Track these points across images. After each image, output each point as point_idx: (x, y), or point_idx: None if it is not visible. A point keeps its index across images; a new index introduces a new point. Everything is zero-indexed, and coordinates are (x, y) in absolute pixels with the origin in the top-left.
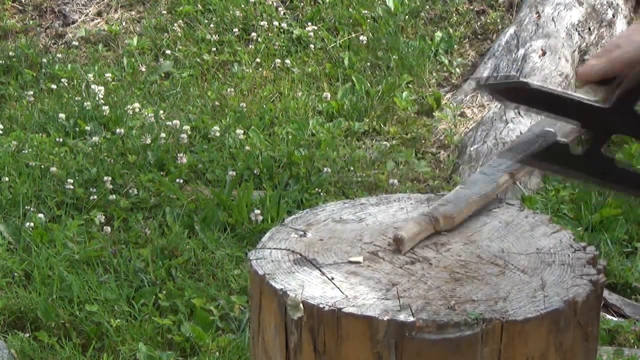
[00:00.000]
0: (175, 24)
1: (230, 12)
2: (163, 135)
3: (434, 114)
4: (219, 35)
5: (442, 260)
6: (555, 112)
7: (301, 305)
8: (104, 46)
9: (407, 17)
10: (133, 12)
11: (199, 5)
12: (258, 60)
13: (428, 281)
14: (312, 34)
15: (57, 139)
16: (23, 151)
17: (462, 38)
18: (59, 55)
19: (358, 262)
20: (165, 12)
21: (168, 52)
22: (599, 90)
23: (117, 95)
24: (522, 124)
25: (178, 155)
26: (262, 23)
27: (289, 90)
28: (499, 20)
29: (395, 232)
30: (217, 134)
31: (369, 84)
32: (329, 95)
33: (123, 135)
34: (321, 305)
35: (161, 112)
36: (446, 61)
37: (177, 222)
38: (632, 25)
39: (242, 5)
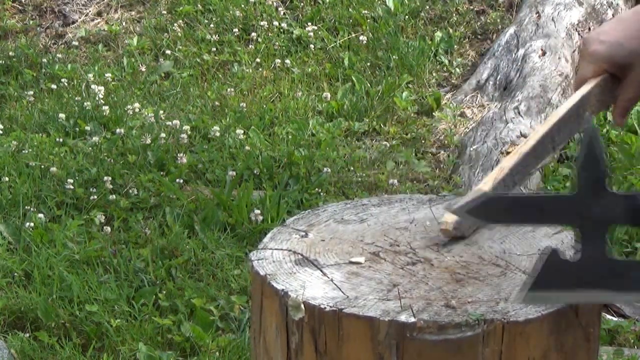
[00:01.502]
0: (175, 24)
1: (230, 12)
2: (163, 135)
3: (434, 114)
4: (219, 35)
5: (444, 261)
6: (529, 222)
7: (302, 305)
8: (104, 46)
9: (407, 17)
10: (133, 12)
11: (199, 5)
12: (258, 60)
13: (429, 282)
14: (312, 34)
15: (57, 139)
16: (23, 151)
17: (462, 38)
18: (59, 55)
19: (359, 263)
20: (165, 12)
21: (168, 52)
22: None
23: (117, 95)
24: (521, 124)
25: (178, 155)
26: (262, 23)
27: (289, 90)
28: (499, 20)
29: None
30: (217, 134)
31: (369, 84)
32: (329, 95)
33: (123, 135)
34: (322, 306)
35: (161, 112)
36: (446, 61)
37: (177, 222)
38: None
39: (242, 5)
